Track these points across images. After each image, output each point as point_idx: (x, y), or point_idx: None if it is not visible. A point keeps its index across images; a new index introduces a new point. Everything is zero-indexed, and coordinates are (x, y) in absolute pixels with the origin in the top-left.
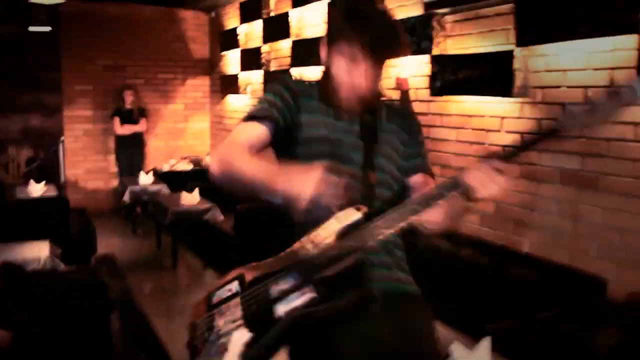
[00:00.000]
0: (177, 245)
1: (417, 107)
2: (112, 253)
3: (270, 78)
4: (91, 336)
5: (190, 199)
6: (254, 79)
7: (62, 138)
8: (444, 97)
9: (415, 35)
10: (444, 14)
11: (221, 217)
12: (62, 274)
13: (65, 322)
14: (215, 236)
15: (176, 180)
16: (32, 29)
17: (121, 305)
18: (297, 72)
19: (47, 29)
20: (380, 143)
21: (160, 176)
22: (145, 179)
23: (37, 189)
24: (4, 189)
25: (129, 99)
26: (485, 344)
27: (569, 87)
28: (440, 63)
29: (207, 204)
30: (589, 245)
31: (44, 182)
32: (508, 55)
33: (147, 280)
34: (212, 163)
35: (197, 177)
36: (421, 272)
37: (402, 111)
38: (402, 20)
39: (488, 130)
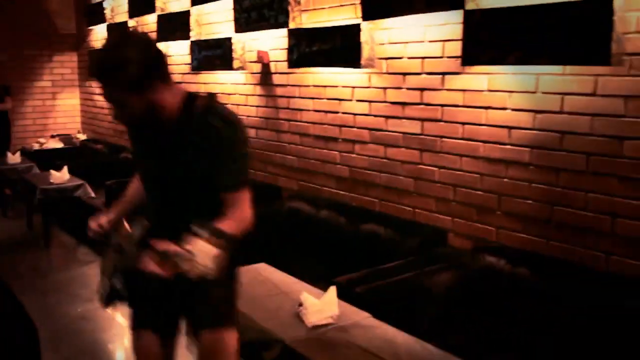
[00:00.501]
0: (49, 224)
1: (277, 79)
2: None
3: None
4: None
5: (60, 176)
6: None
7: None
8: (301, 69)
9: (273, 10)
10: None
11: (92, 194)
12: None
13: None
14: (87, 212)
15: (47, 159)
16: None
17: None
18: (164, 46)
19: None
20: (169, 157)
21: (29, 155)
22: (13, 158)
23: None
24: None
25: None
26: (332, 292)
27: (409, 58)
28: (297, 36)
29: (77, 181)
30: (430, 201)
31: None
32: (356, 29)
33: (19, 261)
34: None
35: (69, 155)
36: (282, 233)
37: (200, 125)
38: None
39: (341, 100)
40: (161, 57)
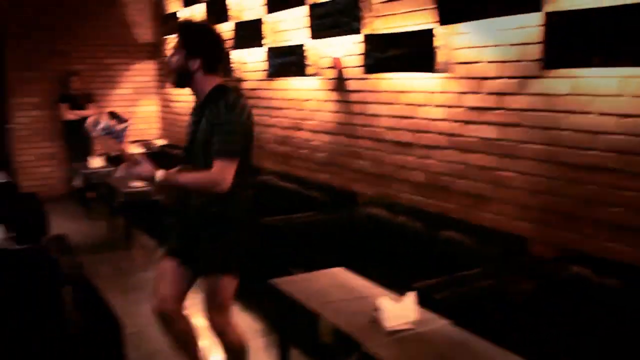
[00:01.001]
0: (130, 227)
1: (351, 85)
2: (64, 234)
3: None
4: (42, 311)
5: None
6: None
7: (9, 125)
8: (376, 75)
9: (346, 16)
10: None
11: None
12: (12, 252)
13: (14, 297)
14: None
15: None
16: None
17: (72, 280)
18: (239, 53)
19: None
20: (195, 126)
21: (111, 160)
22: (96, 163)
23: None
24: None
25: (74, 84)
26: (411, 297)
27: (486, 62)
28: (371, 42)
29: None
30: (509, 208)
31: None
32: (430, 33)
33: (101, 261)
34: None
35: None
36: (359, 238)
37: (212, 107)
38: (333, 1)
39: (417, 105)
40: (215, 56)
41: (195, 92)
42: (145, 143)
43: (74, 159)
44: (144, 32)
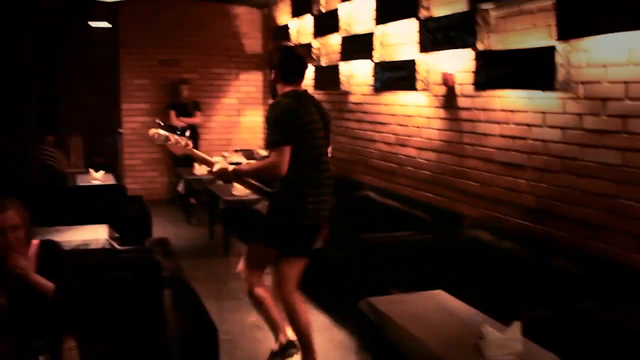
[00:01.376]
0: (229, 234)
1: (461, 102)
2: (167, 237)
3: (321, 73)
4: (143, 311)
5: (242, 189)
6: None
7: (121, 130)
8: (488, 92)
9: (459, 31)
10: (488, 9)
11: None
12: (117, 252)
13: (117, 296)
14: None
15: None
16: (92, 24)
17: (173, 283)
18: (347, 66)
19: (107, 25)
20: None
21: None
22: (199, 170)
23: (96, 177)
24: (66, 177)
25: (184, 92)
26: (516, 327)
27: (610, 82)
28: (485, 58)
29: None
30: (628, 239)
31: (102, 171)
32: (550, 51)
33: (198, 267)
34: None
35: None
36: (461, 260)
37: None
38: (447, 16)
39: (531, 125)
40: (289, 69)
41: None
42: (248, 152)
43: (179, 165)
44: (253, 43)
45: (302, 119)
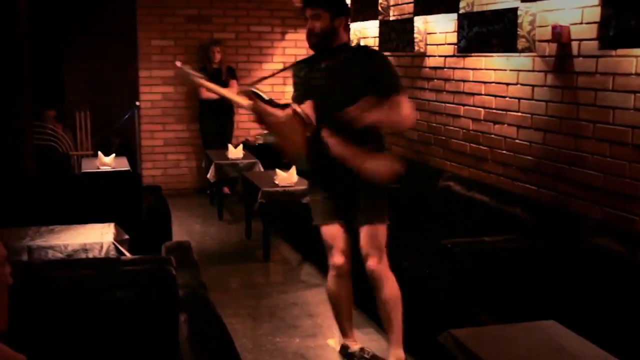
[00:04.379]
0: (270, 234)
1: (580, 64)
2: (188, 241)
3: (389, 29)
4: (152, 344)
5: (286, 178)
6: (368, 31)
7: (137, 103)
8: (621, 51)
9: None
10: None
11: None
12: (122, 263)
13: (119, 326)
14: None
15: (273, 156)
16: None
17: (192, 305)
18: (422, 21)
19: None
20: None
21: (252, 150)
22: (234, 153)
23: (105, 162)
24: (69, 160)
25: (216, 56)
26: None
27: None
28: (615, 4)
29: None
30: None
31: (113, 154)
32: None
33: (232, 274)
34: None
35: None
36: (579, 279)
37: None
38: None
39: None
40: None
41: (331, 50)
42: None
43: (210, 147)
44: None
45: None
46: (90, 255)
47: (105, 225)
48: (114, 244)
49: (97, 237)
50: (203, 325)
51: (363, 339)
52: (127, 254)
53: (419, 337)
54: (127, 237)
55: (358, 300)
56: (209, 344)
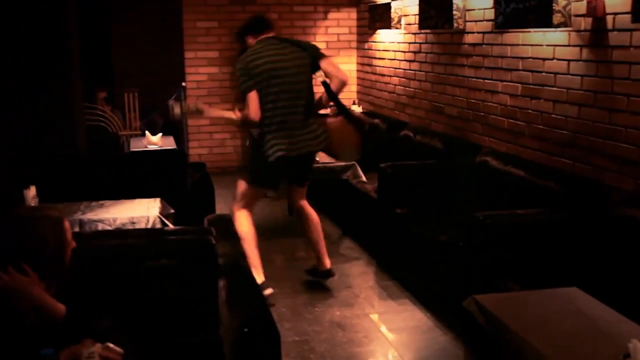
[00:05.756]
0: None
1: (615, 38)
2: (229, 214)
3: (429, 7)
4: (193, 306)
5: (327, 156)
6: (409, 9)
7: (183, 84)
8: None
9: None
10: None
11: (363, 177)
12: (166, 233)
13: (162, 290)
14: (355, 199)
15: None
16: None
17: (230, 272)
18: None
19: None
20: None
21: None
22: None
23: (153, 141)
24: (119, 140)
25: None
26: None
27: None
28: None
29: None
30: None
31: (160, 133)
32: None
33: (277, 249)
34: None
35: None
36: (607, 248)
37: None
38: None
39: None
40: (256, 25)
41: None
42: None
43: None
44: None
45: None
46: (137, 227)
47: (152, 200)
48: (159, 217)
49: (144, 211)
50: (240, 290)
51: (398, 309)
52: (171, 226)
53: (450, 305)
54: (172, 211)
55: (394, 274)
56: (245, 308)
